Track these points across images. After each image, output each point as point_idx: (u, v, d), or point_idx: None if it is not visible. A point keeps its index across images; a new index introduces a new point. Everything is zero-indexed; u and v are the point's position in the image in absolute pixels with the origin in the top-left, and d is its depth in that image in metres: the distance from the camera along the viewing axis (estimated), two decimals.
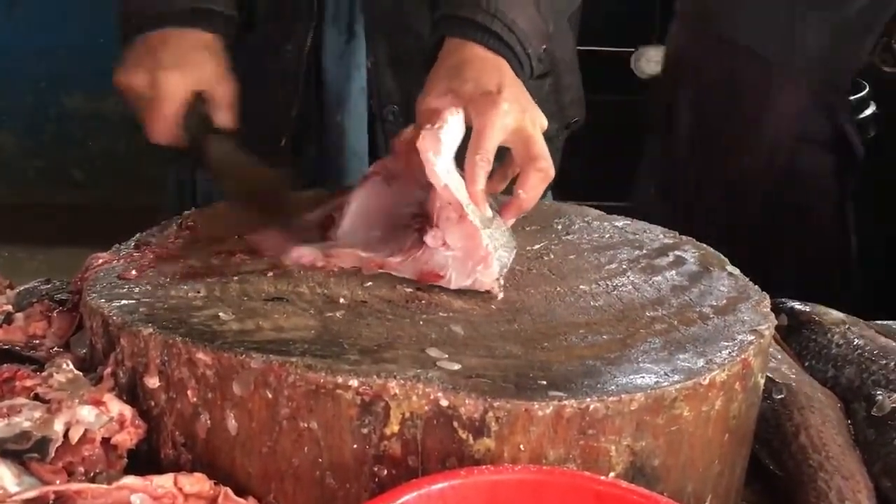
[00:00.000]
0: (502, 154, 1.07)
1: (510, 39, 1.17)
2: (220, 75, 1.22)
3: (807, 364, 1.16)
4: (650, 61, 3.24)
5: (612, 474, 0.81)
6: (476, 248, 0.97)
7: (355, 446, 0.80)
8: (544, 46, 1.24)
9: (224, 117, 1.20)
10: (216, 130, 1.19)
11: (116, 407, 0.87)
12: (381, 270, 1.01)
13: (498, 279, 0.98)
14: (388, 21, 1.37)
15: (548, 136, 1.35)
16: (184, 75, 1.18)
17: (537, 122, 1.10)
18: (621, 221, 1.19)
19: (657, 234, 1.15)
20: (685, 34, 1.99)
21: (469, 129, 1.05)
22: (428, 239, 0.98)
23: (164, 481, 0.81)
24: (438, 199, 0.98)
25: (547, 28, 1.24)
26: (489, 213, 1.02)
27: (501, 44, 1.16)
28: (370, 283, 0.98)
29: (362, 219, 1.08)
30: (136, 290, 0.95)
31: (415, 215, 1.05)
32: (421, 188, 1.04)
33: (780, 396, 1.04)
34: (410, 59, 1.35)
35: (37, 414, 0.85)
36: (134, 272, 0.99)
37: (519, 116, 1.07)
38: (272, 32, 1.40)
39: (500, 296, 0.97)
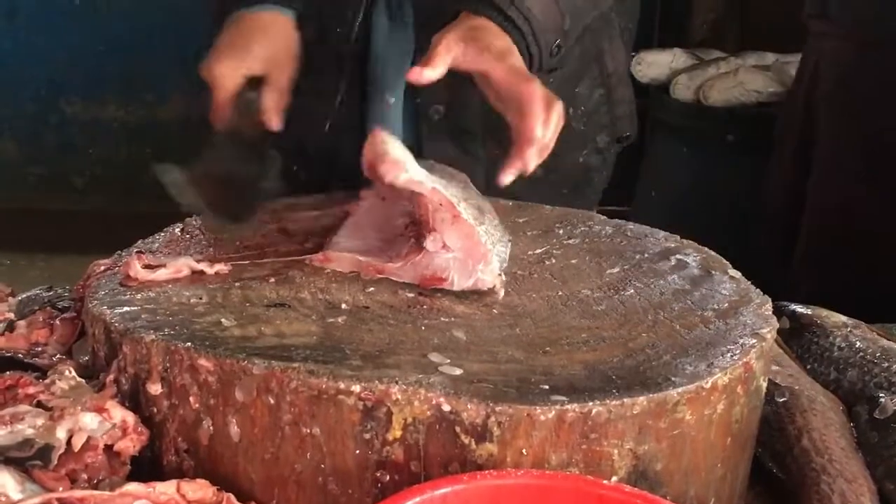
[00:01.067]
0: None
1: (524, 27, 1.19)
2: (280, 60, 1.24)
3: (809, 367, 1.16)
4: (650, 66, 3.25)
5: (614, 478, 0.81)
6: (475, 246, 0.97)
7: (358, 452, 0.80)
8: (558, 41, 1.26)
9: (269, 112, 1.21)
10: (259, 122, 1.21)
11: (119, 414, 0.87)
12: (379, 275, 1.01)
13: (499, 275, 0.98)
14: (435, 17, 1.38)
15: (598, 147, 1.40)
16: (237, 62, 1.21)
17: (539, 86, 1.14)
18: (623, 225, 1.19)
19: (659, 238, 1.16)
20: (835, 42, 1.94)
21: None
22: (428, 244, 0.98)
23: (166, 488, 0.81)
24: (429, 203, 0.98)
25: (563, 22, 1.26)
26: (480, 203, 1.03)
27: (514, 28, 1.19)
28: (372, 289, 0.98)
29: (358, 230, 1.09)
30: (138, 296, 0.95)
31: (407, 224, 1.05)
32: (409, 199, 1.04)
33: (782, 399, 1.04)
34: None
35: (40, 421, 0.85)
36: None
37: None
38: (322, 17, 1.39)
39: (502, 293, 0.97)
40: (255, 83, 1.21)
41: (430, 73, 1.11)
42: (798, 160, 2.07)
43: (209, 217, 1.14)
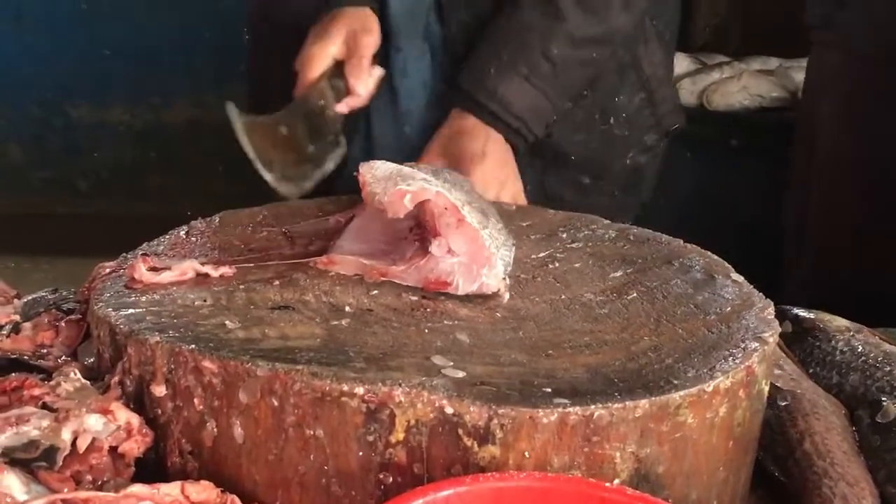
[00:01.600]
0: None
1: (506, 117, 1.34)
2: (359, 37, 1.34)
3: (811, 371, 1.16)
4: None
5: (616, 481, 0.81)
6: (479, 250, 0.98)
7: (361, 454, 0.80)
8: (554, 117, 1.41)
9: (353, 86, 1.31)
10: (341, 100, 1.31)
11: (124, 415, 0.87)
12: (383, 278, 1.01)
13: (504, 279, 0.98)
14: (461, 40, 1.43)
15: (647, 146, 1.47)
16: (323, 46, 1.32)
17: (508, 189, 1.33)
18: (626, 229, 1.19)
19: (662, 242, 1.16)
20: (841, 50, 1.94)
21: None
22: (433, 248, 0.99)
23: (171, 489, 0.81)
24: (434, 208, 0.99)
25: (548, 102, 1.38)
26: (485, 207, 1.04)
27: (497, 120, 1.34)
28: (376, 292, 0.98)
29: (362, 234, 1.09)
30: (143, 299, 0.96)
31: (411, 228, 1.06)
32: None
33: (784, 403, 1.04)
34: None
35: (45, 423, 0.85)
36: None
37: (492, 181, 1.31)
38: None
39: (507, 296, 0.98)
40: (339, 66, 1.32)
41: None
42: (805, 172, 2.07)
43: (264, 170, 1.18)
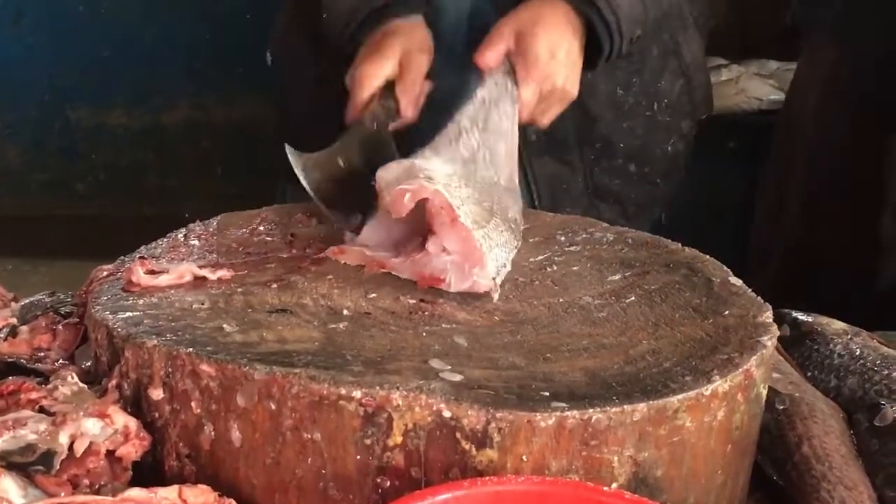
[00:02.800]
0: None
1: (610, 18, 1.29)
2: (413, 55, 1.28)
3: (809, 374, 1.16)
4: None
5: (614, 485, 0.81)
6: (471, 250, 0.98)
7: (358, 457, 0.80)
8: (639, 32, 1.34)
9: (404, 106, 1.26)
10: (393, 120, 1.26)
11: (121, 419, 0.87)
12: (382, 270, 1.02)
13: (494, 279, 0.98)
14: None
15: (683, 133, 1.45)
16: (378, 66, 1.26)
17: (567, 91, 1.28)
18: (625, 233, 1.19)
19: (661, 246, 1.16)
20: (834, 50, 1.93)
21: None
22: (429, 246, 0.99)
23: (168, 493, 0.81)
24: (432, 206, 0.99)
25: (646, 15, 1.34)
26: (495, 206, 1.04)
27: (601, 20, 1.29)
28: (374, 295, 0.98)
29: (380, 228, 1.09)
30: (141, 302, 0.96)
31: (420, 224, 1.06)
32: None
33: (782, 407, 1.04)
34: None
35: (42, 426, 0.85)
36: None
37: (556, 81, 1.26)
38: None
39: (496, 296, 0.98)
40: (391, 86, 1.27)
41: (490, 57, 1.24)
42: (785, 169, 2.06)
43: (327, 210, 1.16)
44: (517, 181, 1.21)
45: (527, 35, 1.25)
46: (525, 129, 1.42)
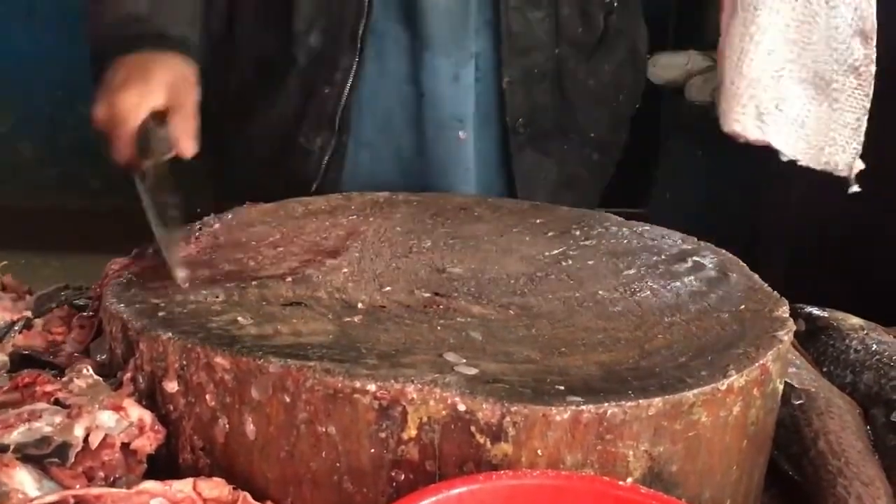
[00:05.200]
0: None
1: None
2: (182, 87, 1.19)
3: (825, 369, 1.15)
4: (666, 67, 3.24)
5: (629, 479, 0.81)
6: None
7: (373, 451, 0.80)
8: None
9: (183, 140, 1.16)
10: (170, 153, 1.15)
11: (136, 412, 0.87)
12: None
13: None
14: (521, 43, 1.43)
15: (628, 125, 1.62)
16: (141, 95, 1.16)
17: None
18: (640, 227, 1.19)
19: (675, 240, 1.15)
20: None
21: None
22: None
23: (182, 486, 0.81)
24: None
25: None
26: None
27: None
28: (388, 289, 0.98)
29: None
30: (155, 295, 0.96)
31: None
32: None
33: (798, 402, 1.03)
34: (542, 75, 1.45)
35: (57, 419, 0.85)
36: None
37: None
38: (312, 74, 1.41)
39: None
40: (157, 117, 1.16)
41: None
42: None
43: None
44: None
45: None
46: (514, 122, 1.45)
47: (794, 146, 1.05)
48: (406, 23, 1.41)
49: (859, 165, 1.02)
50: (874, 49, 1.01)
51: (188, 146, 1.16)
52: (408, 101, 1.44)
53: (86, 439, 0.84)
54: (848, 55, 1.01)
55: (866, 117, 1.03)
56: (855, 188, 1.01)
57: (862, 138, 1.03)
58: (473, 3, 1.41)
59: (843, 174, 1.01)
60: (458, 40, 1.41)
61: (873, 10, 1.01)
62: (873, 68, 1.01)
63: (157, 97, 1.16)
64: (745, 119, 1.05)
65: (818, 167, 1.03)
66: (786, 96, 1.05)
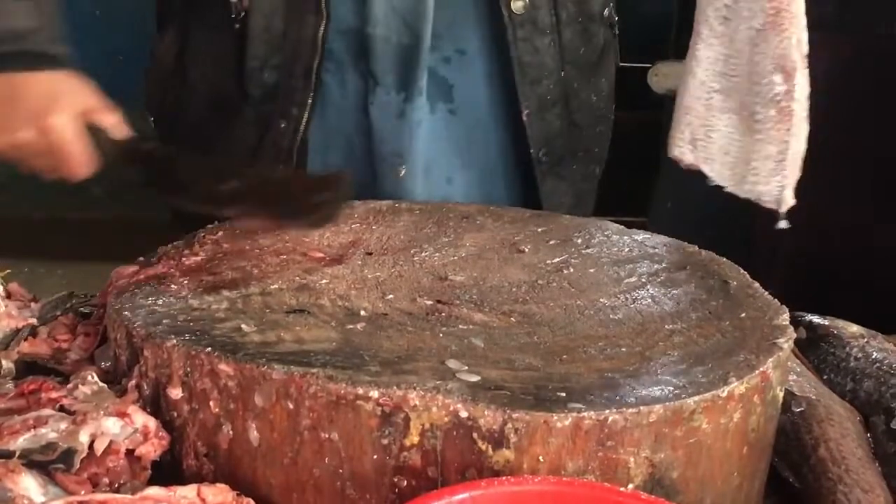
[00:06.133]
0: None
1: None
2: (98, 101, 1.21)
3: (825, 377, 1.16)
4: (667, 77, 3.25)
5: (630, 486, 0.81)
6: None
7: (375, 457, 0.81)
8: None
9: (124, 132, 1.18)
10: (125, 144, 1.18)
11: (140, 418, 0.88)
12: None
13: None
14: (532, 73, 1.43)
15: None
16: (67, 109, 1.16)
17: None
18: (641, 235, 1.19)
19: (676, 248, 1.16)
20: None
21: None
22: None
23: (187, 492, 0.82)
24: None
25: None
26: None
27: None
28: (391, 296, 0.99)
29: None
30: (160, 302, 0.96)
31: None
32: None
33: (799, 409, 1.04)
34: (553, 102, 1.45)
35: (62, 425, 0.86)
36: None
37: None
38: (268, 108, 1.39)
39: None
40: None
41: None
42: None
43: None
44: None
45: None
46: (537, 151, 1.45)
47: (720, 173, 1.08)
48: (359, 57, 1.39)
49: (788, 201, 1.03)
50: (797, 85, 1.03)
51: (126, 132, 1.18)
52: (361, 134, 1.43)
53: (91, 445, 0.84)
54: (769, 90, 1.05)
55: (793, 152, 1.04)
56: (783, 224, 1.03)
57: (790, 172, 1.04)
58: (426, 40, 1.38)
59: (770, 206, 1.02)
60: (406, 75, 1.39)
61: (803, 48, 1.04)
62: (797, 105, 1.04)
63: (80, 107, 1.17)
64: (682, 145, 1.08)
65: (742, 195, 1.06)
66: (714, 125, 1.09)
